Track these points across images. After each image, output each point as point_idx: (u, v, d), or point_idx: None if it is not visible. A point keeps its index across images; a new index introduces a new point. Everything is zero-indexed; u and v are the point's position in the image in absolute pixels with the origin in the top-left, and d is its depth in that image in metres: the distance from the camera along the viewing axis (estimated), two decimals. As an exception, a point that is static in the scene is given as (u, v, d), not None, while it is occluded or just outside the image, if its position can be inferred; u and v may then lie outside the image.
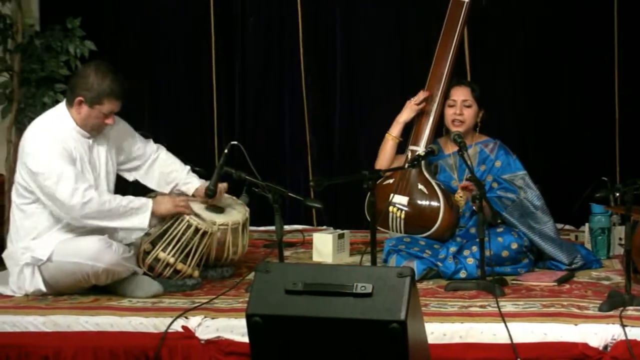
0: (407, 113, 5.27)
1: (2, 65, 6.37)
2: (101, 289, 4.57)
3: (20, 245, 4.58)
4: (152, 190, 5.00)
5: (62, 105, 4.69)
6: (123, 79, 4.68)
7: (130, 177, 4.98)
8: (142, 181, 5.00)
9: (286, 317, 3.22)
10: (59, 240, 4.52)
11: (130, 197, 4.61)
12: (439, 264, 4.82)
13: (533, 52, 6.43)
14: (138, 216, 4.58)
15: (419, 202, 5.11)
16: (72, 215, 4.49)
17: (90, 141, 4.68)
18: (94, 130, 4.67)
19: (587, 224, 5.41)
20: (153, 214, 4.62)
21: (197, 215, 4.77)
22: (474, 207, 4.81)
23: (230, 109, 6.77)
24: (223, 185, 4.98)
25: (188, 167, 5.05)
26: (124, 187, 5.08)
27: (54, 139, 4.53)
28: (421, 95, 5.25)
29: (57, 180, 4.44)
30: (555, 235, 5.09)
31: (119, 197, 4.58)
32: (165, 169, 4.99)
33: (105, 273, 4.46)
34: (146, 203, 4.61)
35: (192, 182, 5.00)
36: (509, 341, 3.83)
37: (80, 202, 4.45)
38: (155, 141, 5.07)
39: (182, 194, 4.96)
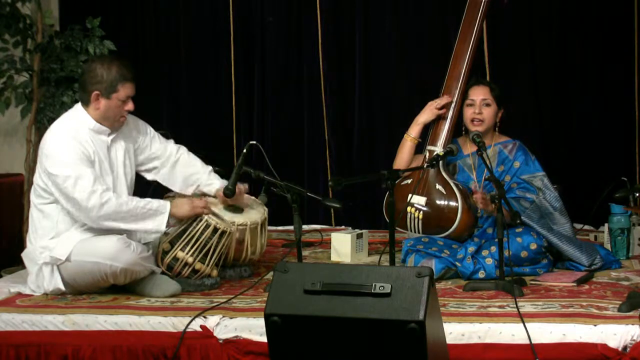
0: (426, 114, 5.23)
1: (21, 65, 6.41)
2: (120, 288, 4.58)
3: (39, 244, 4.59)
4: (170, 191, 5.01)
5: (78, 107, 4.70)
6: (128, 62, 4.71)
7: (150, 176, 4.98)
8: (164, 183, 5.00)
9: (304, 317, 3.23)
10: (77, 239, 4.52)
11: (148, 199, 4.61)
12: (457, 263, 4.81)
13: (554, 52, 6.41)
14: (156, 218, 4.58)
15: (437, 202, 5.08)
16: (89, 217, 4.50)
17: (109, 140, 4.70)
18: (116, 122, 4.68)
19: (606, 224, 5.38)
20: (171, 217, 4.62)
21: (216, 214, 4.77)
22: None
23: (249, 109, 6.78)
24: (244, 186, 4.96)
25: (210, 168, 5.05)
26: (144, 188, 5.11)
27: (73, 141, 4.54)
28: (443, 99, 5.21)
29: (74, 182, 4.45)
30: (573, 237, 5.07)
31: (136, 199, 4.58)
32: (187, 170, 4.99)
33: (123, 273, 4.47)
34: (164, 205, 4.61)
35: (214, 183, 4.99)
36: (527, 342, 3.82)
37: (97, 203, 4.46)
38: (176, 141, 5.08)
39: (203, 194, 4.95)
